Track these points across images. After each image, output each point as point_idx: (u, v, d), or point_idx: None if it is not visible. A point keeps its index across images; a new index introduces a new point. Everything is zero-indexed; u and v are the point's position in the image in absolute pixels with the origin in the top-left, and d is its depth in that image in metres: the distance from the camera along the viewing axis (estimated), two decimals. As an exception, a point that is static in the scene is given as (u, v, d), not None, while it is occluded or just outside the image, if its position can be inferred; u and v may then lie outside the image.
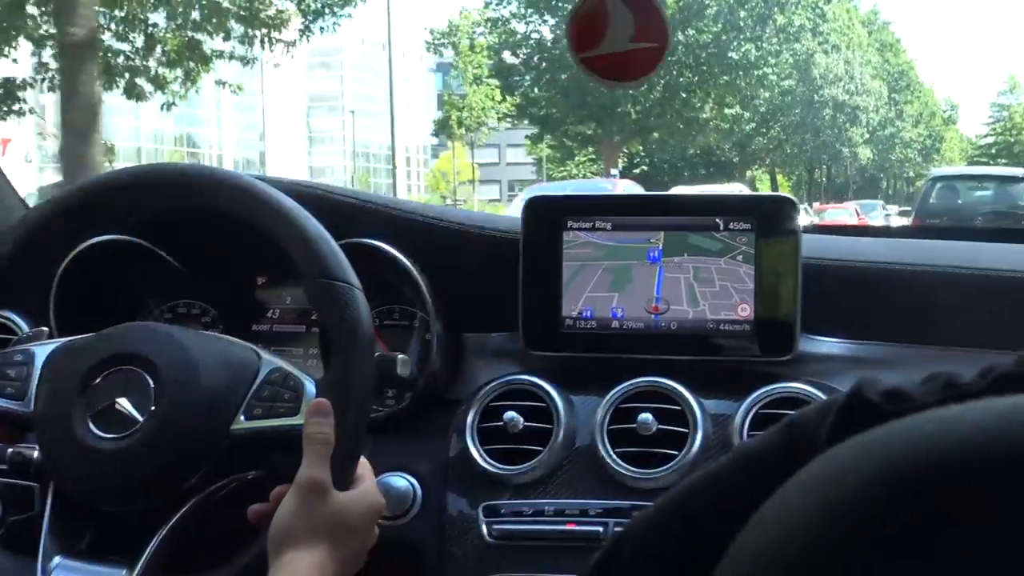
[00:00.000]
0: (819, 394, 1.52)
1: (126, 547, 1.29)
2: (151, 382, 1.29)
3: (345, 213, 1.72)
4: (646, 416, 1.54)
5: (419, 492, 1.61)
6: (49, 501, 1.34)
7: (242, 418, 1.30)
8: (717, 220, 1.62)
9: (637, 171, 49.09)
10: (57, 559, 1.30)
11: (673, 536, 0.69)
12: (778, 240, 1.60)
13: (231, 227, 1.42)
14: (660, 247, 1.64)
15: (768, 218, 1.61)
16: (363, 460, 1.30)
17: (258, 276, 1.85)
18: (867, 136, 62.57)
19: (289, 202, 1.36)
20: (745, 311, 1.60)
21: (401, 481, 1.61)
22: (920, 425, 0.48)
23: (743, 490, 0.64)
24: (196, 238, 1.73)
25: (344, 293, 1.30)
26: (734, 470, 0.68)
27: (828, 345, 1.62)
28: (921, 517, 0.43)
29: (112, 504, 1.31)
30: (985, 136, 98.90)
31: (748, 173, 54.15)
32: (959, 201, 16.30)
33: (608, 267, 1.66)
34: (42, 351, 1.39)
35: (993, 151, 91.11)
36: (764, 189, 50.31)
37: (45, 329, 1.50)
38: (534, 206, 1.69)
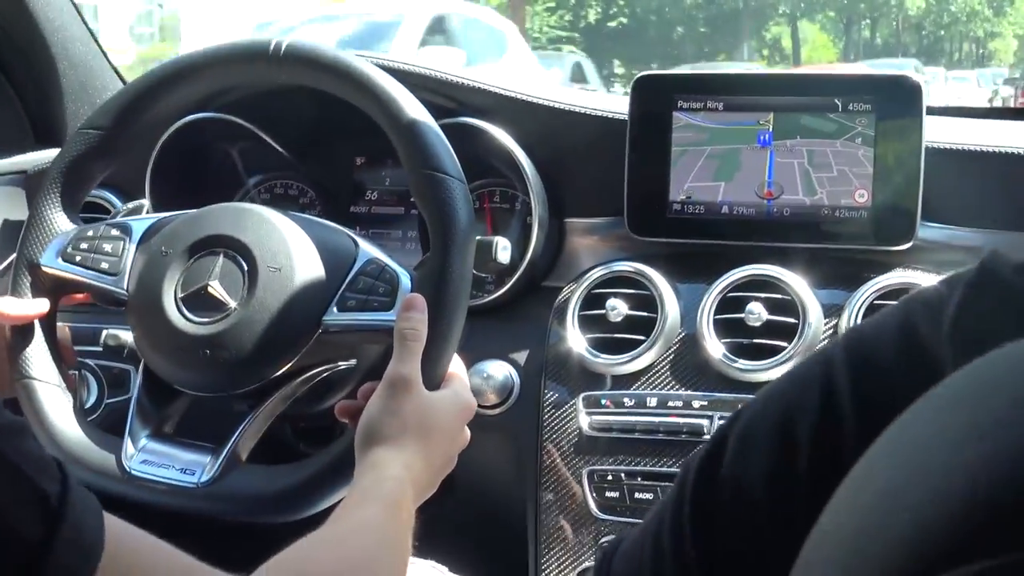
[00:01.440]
0: (939, 283, 1.42)
1: (213, 433, 1.28)
2: (245, 266, 1.26)
3: (448, 92, 1.65)
4: (755, 306, 1.46)
5: (518, 380, 1.56)
6: (139, 381, 1.32)
7: (335, 310, 1.25)
8: (835, 100, 1.50)
9: (614, 23, 40.83)
10: (143, 439, 1.28)
11: (779, 433, 0.65)
12: (900, 122, 1.49)
13: (331, 106, 1.37)
14: (770, 129, 1.53)
15: (890, 98, 1.50)
16: (456, 360, 1.25)
17: (357, 156, 1.79)
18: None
19: (392, 83, 1.30)
20: (863, 197, 1.50)
21: (500, 368, 1.56)
22: None
23: (858, 377, 0.61)
24: (295, 117, 1.68)
25: (447, 186, 1.25)
26: (848, 355, 0.63)
27: (948, 233, 1.52)
28: None
29: (199, 388, 1.29)
30: None
31: (765, 33, 48.51)
32: None
33: (717, 152, 1.56)
34: (140, 226, 1.36)
35: None
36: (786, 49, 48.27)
37: (144, 202, 1.49)
38: (643, 84, 1.59)
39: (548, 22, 36.06)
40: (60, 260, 1.33)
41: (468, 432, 1.24)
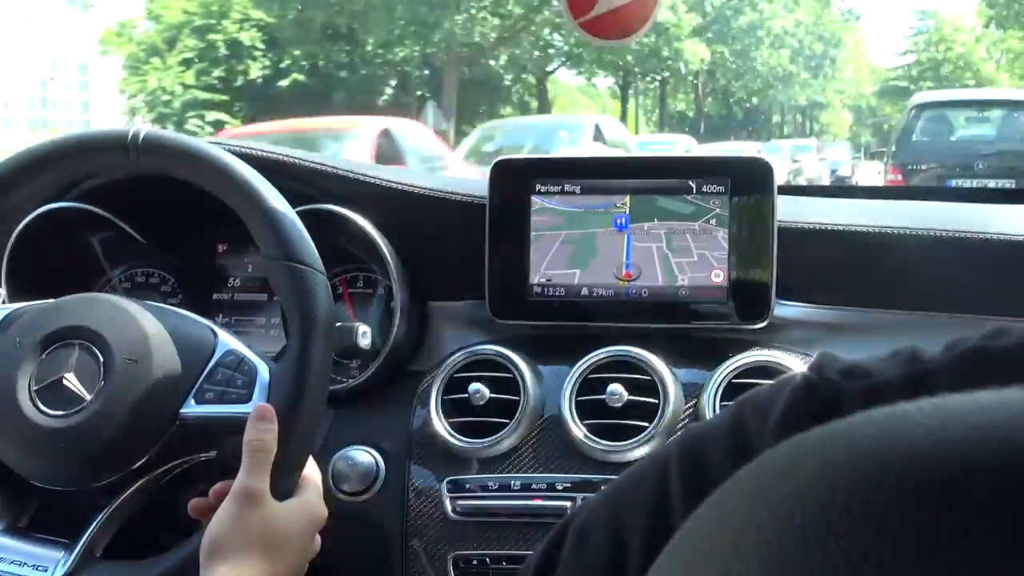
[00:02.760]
0: (794, 362, 1.44)
1: (67, 527, 1.23)
2: (101, 358, 1.22)
3: (305, 178, 1.61)
4: (616, 387, 1.44)
5: (382, 466, 1.51)
6: None
7: (192, 402, 1.23)
8: (690, 183, 1.50)
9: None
10: None
11: (613, 530, 0.64)
12: (754, 203, 1.49)
13: (192, 193, 1.33)
14: (627, 212, 1.52)
15: (743, 180, 1.50)
16: (310, 464, 1.22)
17: (219, 243, 1.75)
18: (699, 22, 45.26)
19: (248, 171, 1.28)
20: (719, 276, 1.50)
21: (364, 455, 1.52)
22: (862, 427, 0.40)
23: (689, 475, 0.61)
24: (156, 204, 1.62)
25: (304, 277, 1.23)
26: (681, 454, 0.63)
27: (804, 311, 1.53)
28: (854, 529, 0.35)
29: (54, 483, 1.24)
30: (904, 53, 77.46)
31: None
32: (952, 138, 11.80)
33: (574, 236, 1.55)
34: None
35: (914, 72, 72.94)
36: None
37: None
38: (501, 168, 1.58)
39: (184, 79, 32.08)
40: None
41: (319, 540, 1.21)
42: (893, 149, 11.95)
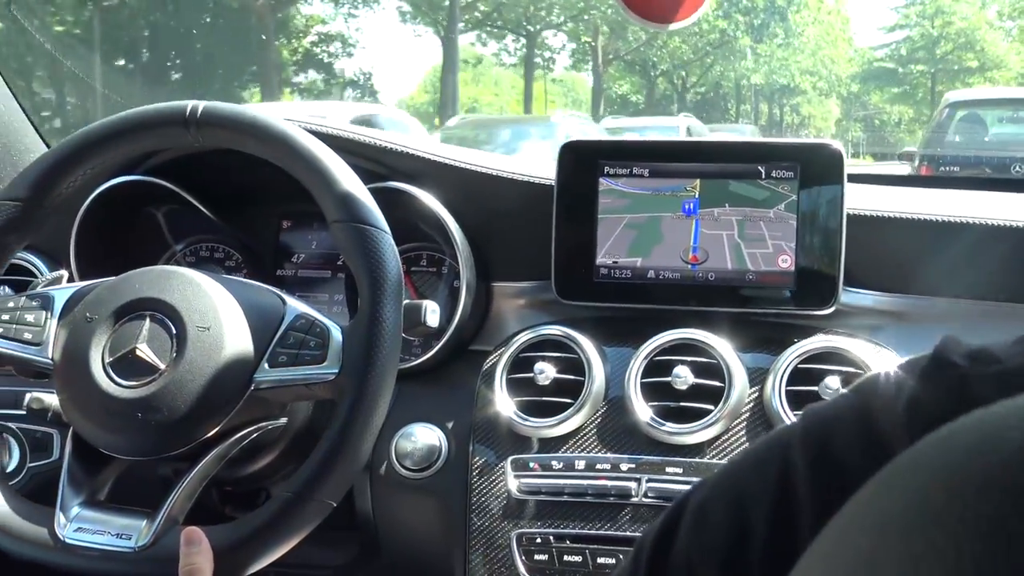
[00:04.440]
0: (860, 348, 1.40)
1: (147, 497, 1.23)
2: (173, 328, 1.22)
3: (376, 156, 1.60)
4: (681, 369, 1.41)
5: (445, 444, 1.50)
6: (68, 449, 1.26)
7: (266, 366, 1.21)
8: (759, 167, 1.47)
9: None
10: (76, 508, 1.23)
11: (734, 512, 0.62)
12: (823, 189, 1.46)
13: (257, 169, 1.34)
14: (696, 196, 1.50)
15: (813, 165, 1.47)
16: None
17: (284, 220, 1.75)
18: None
19: (318, 144, 1.27)
20: (786, 262, 1.47)
21: (426, 431, 1.50)
22: None
23: (815, 460, 0.59)
24: (221, 179, 1.62)
25: (373, 237, 1.22)
26: (805, 438, 0.61)
27: (870, 298, 1.50)
28: None
29: (131, 453, 1.23)
30: (892, 28, 66.43)
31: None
32: (986, 138, 10.97)
33: (639, 220, 1.52)
34: (61, 295, 1.31)
35: (903, 51, 63.74)
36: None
37: (64, 273, 1.41)
38: (570, 150, 1.55)
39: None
40: None
41: None
42: (925, 146, 11.40)
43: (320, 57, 29.80)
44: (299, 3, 28.55)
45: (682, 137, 11.44)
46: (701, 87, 52.66)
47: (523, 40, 38.96)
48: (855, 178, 1.66)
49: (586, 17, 37.21)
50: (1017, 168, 9.97)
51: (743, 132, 19.98)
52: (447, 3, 30.96)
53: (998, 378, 0.54)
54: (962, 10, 60.23)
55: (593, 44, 38.40)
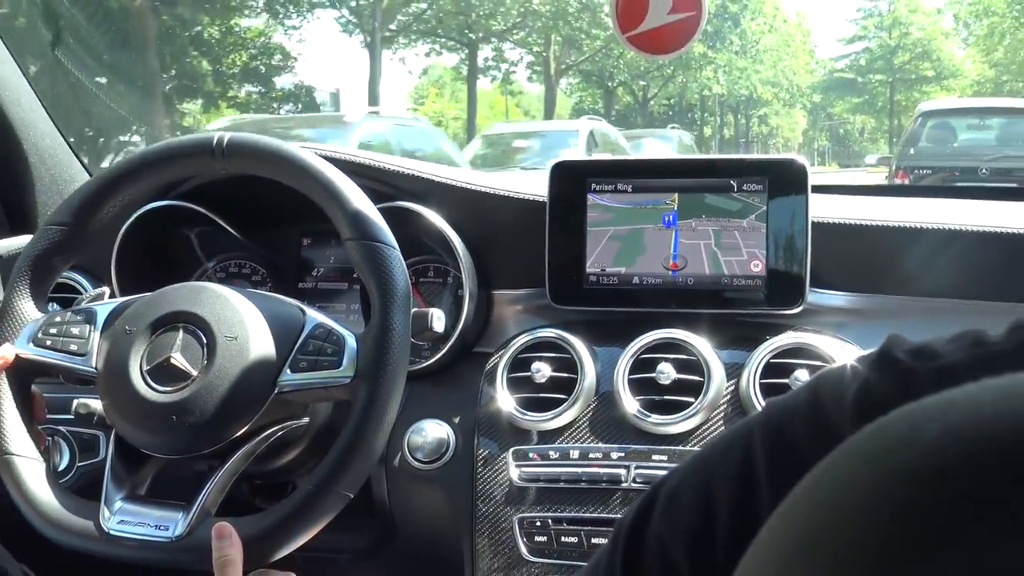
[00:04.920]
0: (826, 343, 1.51)
1: (183, 492, 1.30)
2: (203, 338, 1.30)
3: (384, 178, 1.71)
4: (665, 366, 1.52)
5: (453, 438, 1.61)
6: (111, 449, 1.35)
7: (288, 372, 1.30)
8: (731, 181, 1.59)
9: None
10: (119, 502, 1.30)
11: (702, 496, 0.66)
12: (790, 200, 1.57)
13: (279, 192, 1.42)
14: (675, 209, 1.61)
15: (780, 178, 1.58)
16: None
17: (304, 237, 1.85)
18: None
19: (332, 170, 1.37)
20: (757, 267, 1.58)
21: (435, 427, 1.61)
22: (979, 395, 0.42)
23: (772, 449, 0.63)
24: (247, 202, 1.72)
25: (382, 253, 1.31)
26: (763, 428, 0.65)
27: (834, 298, 1.61)
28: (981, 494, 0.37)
29: (168, 452, 1.32)
30: (852, 39, 63.64)
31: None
32: (955, 144, 11.92)
33: (623, 232, 1.63)
34: (103, 310, 1.40)
35: (862, 61, 61.91)
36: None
37: (106, 289, 1.51)
38: (559, 169, 1.67)
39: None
40: (32, 345, 1.37)
41: None
42: (899, 154, 12.03)
43: (259, 69, 27.53)
44: (237, 15, 26.32)
45: (583, 139, 11.68)
46: (667, 99, 50.98)
47: (489, 52, 37.51)
48: (822, 189, 1.78)
49: (531, 25, 35.17)
50: (984, 170, 10.52)
51: (670, 139, 18.06)
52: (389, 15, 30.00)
53: (938, 373, 0.57)
54: (919, 20, 59.09)
55: (544, 54, 36.57)
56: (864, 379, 0.60)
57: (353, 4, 30.21)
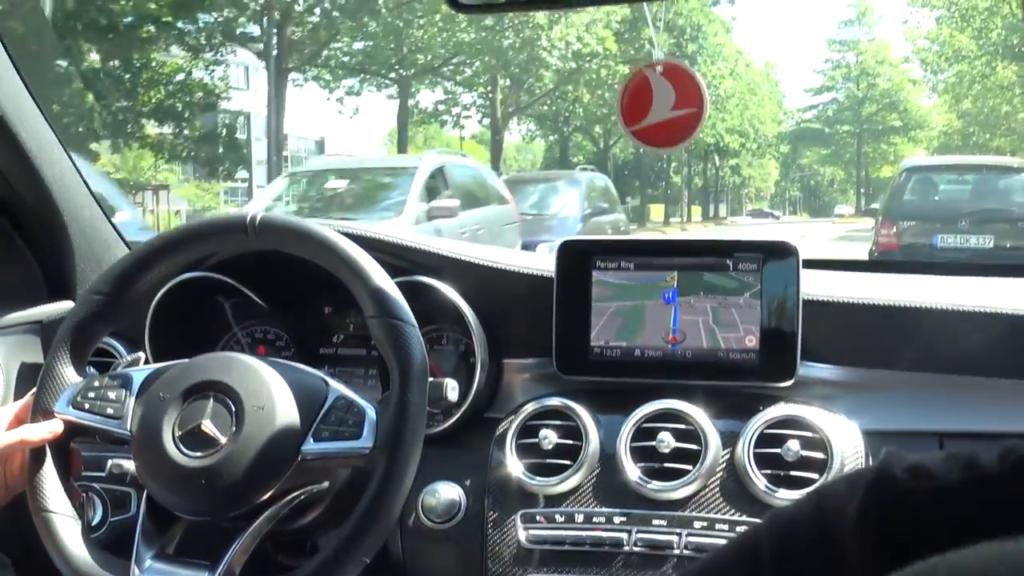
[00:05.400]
0: (816, 415, 1.58)
1: (210, 551, 1.36)
2: (232, 407, 1.36)
3: (401, 254, 1.80)
4: (665, 435, 1.60)
5: (464, 499, 1.67)
6: (142, 510, 1.41)
7: (311, 440, 1.36)
8: (727, 261, 1.66)
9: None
10: (148, 561, 1.36)
11: None
12: (781, 278, 1.65)
13: (303, 265, 1.49)
14: (675, 286, 1.69)
15: (773, 259, 1.66)
16: None
17: (325, 306, 1.92)
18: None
19: (356, 248, 1.44)
20: (752, 341, 1.65)
21: (449, 489, 1.68)
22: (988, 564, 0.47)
23: (779, 555, 0.64)
24: (272, 274, 1.80)
25: (403, 331, 1.38)
26: (769, 537, 0.66)
27: (825, 371, 1.67)
28: None
29: (197, 514, 1.38)
30: (819, 90, 64.47)
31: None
32: (936, 197, 12.98)
33: (626, 308, 1.71)
34: (139, 376, 1.46)
35: (830, 112, 62.43)
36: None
37: (141, 355, 1.57)
38: (567, 248, 1.75)
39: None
40: (71, 408, 1.44)
41: None
42: (885, 205, 13.09)
43: (175, 107, 23.79)
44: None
45: (424, 176, 11.47)
46: (634, 147, 45.14)
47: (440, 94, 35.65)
48: (815, 264, 1.85)
49: (467, 62, 32.68)
50: (963, 222, 11.57)
51: (579, 182, 16.00)
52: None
53: (935, 496, 0.59)
54: (886, 71, 58.31)
55: (491, 95, 33.86)
56: (864, 495, 0.61)
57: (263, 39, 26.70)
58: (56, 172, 1.90)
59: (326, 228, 1.48)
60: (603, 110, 38.66)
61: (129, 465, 1.55)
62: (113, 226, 2.05)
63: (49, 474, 1.41)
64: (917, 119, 57.10)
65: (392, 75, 31.87)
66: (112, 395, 1.44)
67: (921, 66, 44.29)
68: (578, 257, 1.73)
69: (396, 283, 1.45)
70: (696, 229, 41.01)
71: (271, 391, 1.37)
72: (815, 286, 1.69)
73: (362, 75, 32.14)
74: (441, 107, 37.30)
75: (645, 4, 1.91)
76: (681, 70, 1.69)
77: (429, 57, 31.35)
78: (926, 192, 12.90)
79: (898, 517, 0.56)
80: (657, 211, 47.28)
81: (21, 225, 1.96)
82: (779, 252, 1.66)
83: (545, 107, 39.60)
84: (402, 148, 33.46)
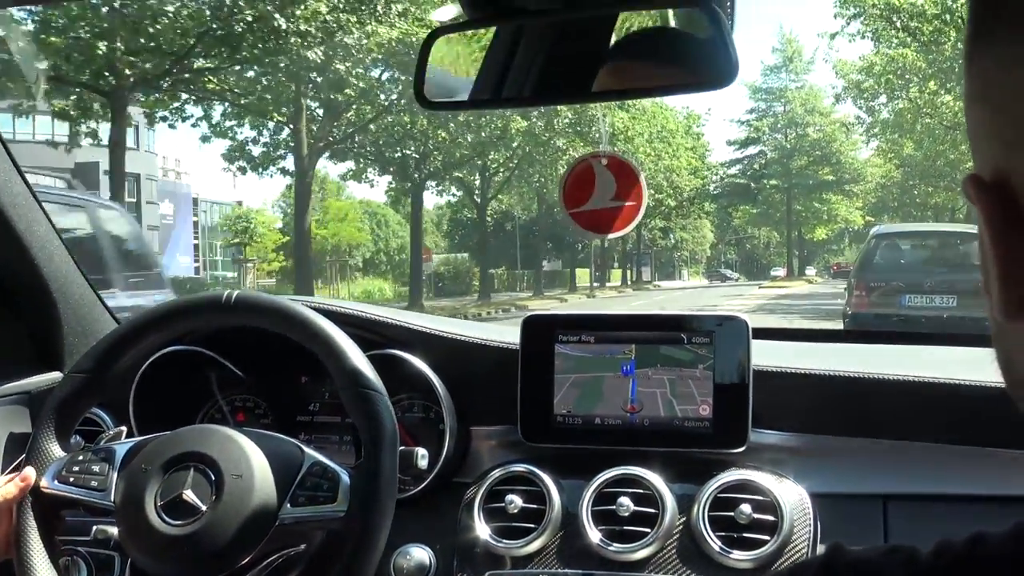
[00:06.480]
0: (765, 480, 1.63)
1: None
2: (212, 476, 1.41)
3: (372, 328, 1.85)
4: (624, 500, 1.64)
5: (434, 561, 1.71)
6: None
7: (288, 506, 1.41)
8: (682, 335, 1.72)
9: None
10: None
11: None
12: (733, 351, 1.71)
13: (278, 338, 1.54)
14: (632, 358, 1.74)
15: (724, 332, 1.72)
16: None
17: (302, 376, 1.97)
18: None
19: (324, 322, 1.50)
20: (706, 410, 1.71)
21: (419, 552, 1.71)
22: None
23: None
24: (250, 347, 1.85)
25: (371, 399, 1.44)
26: None
27: (775, 437, 1.72)
28: None
29: None
30: (744, 144, 56.86)
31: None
32: (903, 261, 13.58)
33: (588, 378, 1.77)
34: (121, 449, 1.51)
35: (756, 166, 55.41)
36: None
37: (123, 429, 1.62)
38: (531, 323, 1.81)
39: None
40: (56, 482, 1.49)
41: None
42: (856, 269, 13.69)
43: None
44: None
45: None
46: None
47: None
48: (766, 334, 1.91)
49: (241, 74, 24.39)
50: (928, 283, 12.42)
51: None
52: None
53: None
54: (816, 120, 52.75)
55: (294, 126, 27.00)
56: None
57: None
58: (46, 250, 1.95)
59: (296, 303, 1.54)
60: (464, 152, 32.36)
61: (113, 530, 1.57)
62: (101, 300, 2.09)
63: (36, 552, 1.45)
64: (851, 172, 52.99)
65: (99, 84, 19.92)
66: (96, 468, 1.48)
67: (855, 101, 38.02)
68: (541, 331, 1.79)
69: (368, 356, 1.50)
70: (610, 296, 38.69)
71: (249, 460, 1.42)
72: (766, 356, 1.75)
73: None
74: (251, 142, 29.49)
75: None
76: (626, 165, 1.77)
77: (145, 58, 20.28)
78: (893, 256, 13.51)
79: None
80: (579, 276, 43.94)
81: (12, 299, 2.00)
82: (730, 328, 1.72)
83: (370, 143, 31.71)
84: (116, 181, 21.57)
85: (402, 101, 27.98)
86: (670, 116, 45.04)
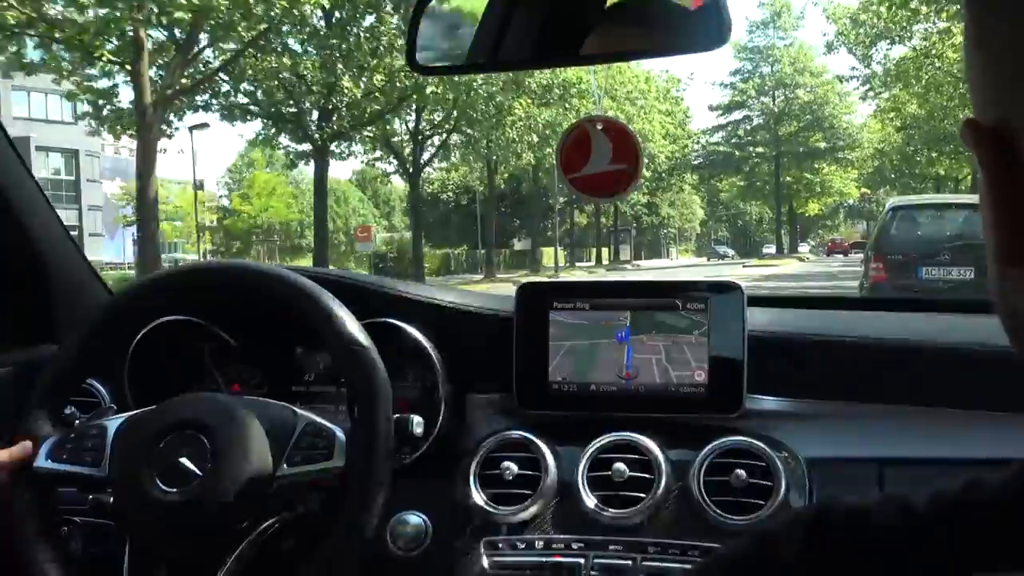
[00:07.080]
0: (762, 445, 1.61)
1: None
2: (207, 442, 1.39)
3: (368, 298, 1.83)
4: (619, 466, 1.62)
5: (430, 528, 1.69)
6: (127, 551, 1.44)
7: (285, 466, 1.40)
8: (677, 301, 1.70)
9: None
10: None
11: None
12: (728, 317, 1.70)
13: (273, 308, 1.53)
14: (627, 325, 1.73)
15: (719, 298, 1.71)
16: None
17: (297, 346, 1.95)
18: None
19: (314, 285, 1.49)
20: (701, 376, 1.69)
21: (415, 519, 1.70)
22: None
23: None
24: (245, 317, 1.84)
25: (360, 355, 1.42)
26: (718, 572, 0.68)
27: (770, 403, 1.71)
28: None
29: (179, 548, 1.41)
30: (727, 109, 53.24)
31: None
32: (919, 232, 13.13)
33: (583, 345, 1.75)
34: (112, 424, 1.50)
35: (741, 132, 51.95)
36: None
37: (114, 407, 1.62)
38: (525, 290, 1.80)
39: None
40: (50, 461, 1.47)
41: None
42: (873, 242, 13.40)
43: None
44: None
45: None
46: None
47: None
48: (762, 301, 1.90)
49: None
50: (944, 255, 12.24)
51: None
52: None
53: (869, 536, 0.60)
54: (807, 81, 48.26)
55: (133, 66, 21.01)
56: (804, 536, 0.62)
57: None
58: (42, 223, 1.93)
59: (290, 271, 1.52)
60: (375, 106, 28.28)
61: (108, 499, 1.56)
62: (96, 275, 2.07)
63: (32, 524, 1.43)
64: (846, 137, 48.54)
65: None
66: (89, 444, 1.47)
67: (850, 50, 34.38)
68: (536, 299, 1.78)
69: (363, 324, 1.48)
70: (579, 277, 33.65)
71: (242, 424, 1.40)
72: (762, 321, 1.74)
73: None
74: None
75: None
76: (620, 127, 1.74)
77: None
78: (909, 228, 13.19)
79: (836, 558, 0.58)
80: (549, 256, 39.75)
81: (5, 271, 1.97)
82: (725, 293, 1.71)
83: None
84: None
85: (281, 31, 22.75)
86: (641, 75, 40.95)
